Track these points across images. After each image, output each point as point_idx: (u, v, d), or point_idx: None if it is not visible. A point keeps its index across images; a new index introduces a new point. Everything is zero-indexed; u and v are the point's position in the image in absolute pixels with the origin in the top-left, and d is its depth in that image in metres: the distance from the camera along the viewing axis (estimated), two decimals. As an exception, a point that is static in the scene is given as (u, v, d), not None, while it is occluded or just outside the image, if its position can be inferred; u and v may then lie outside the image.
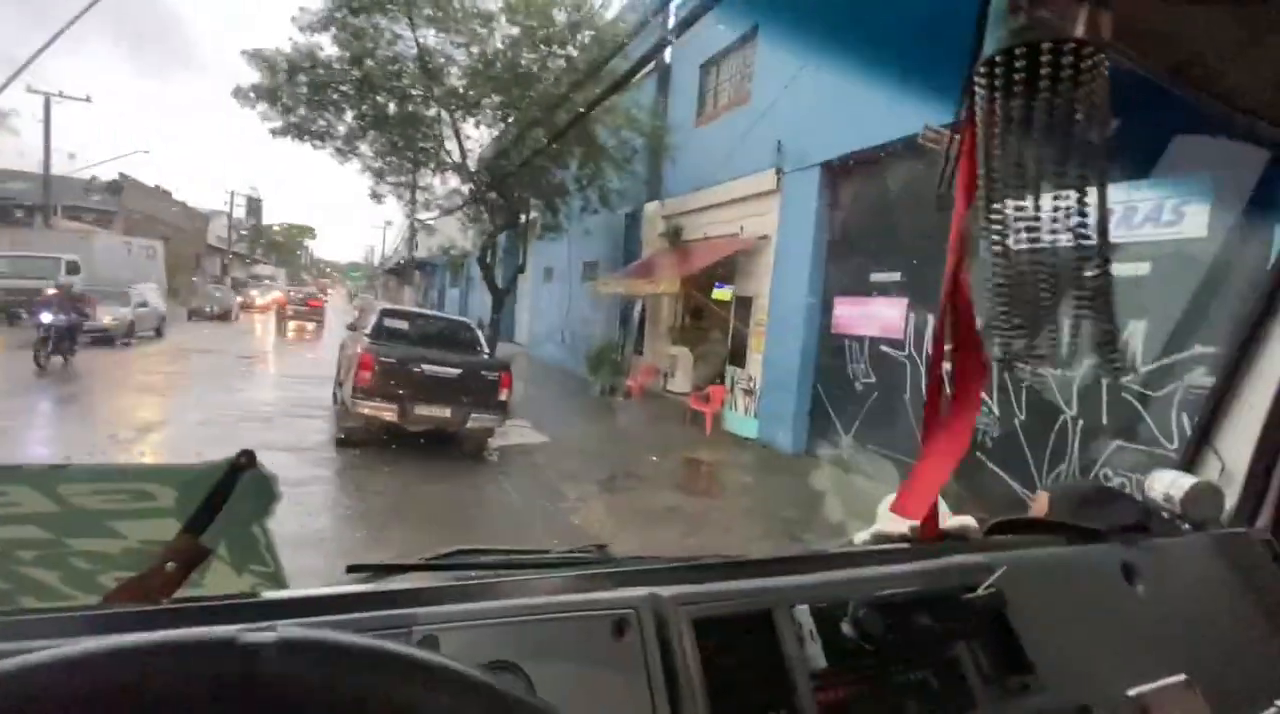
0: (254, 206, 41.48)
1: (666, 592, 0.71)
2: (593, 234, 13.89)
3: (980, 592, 0.81)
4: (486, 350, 8.24)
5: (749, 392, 9.38)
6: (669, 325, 12.19)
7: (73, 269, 14.84)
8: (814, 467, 7.88)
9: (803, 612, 0.74)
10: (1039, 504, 1.26)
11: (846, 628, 0.73)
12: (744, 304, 9.75)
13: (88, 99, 20.94)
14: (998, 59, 0.53)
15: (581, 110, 9.58)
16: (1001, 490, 5.63)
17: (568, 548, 0.90)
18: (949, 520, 1.02)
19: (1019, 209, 0.54)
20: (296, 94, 10.43)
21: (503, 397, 7.12)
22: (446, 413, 6.75)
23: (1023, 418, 5.63)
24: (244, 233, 42.88)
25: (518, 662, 0.58)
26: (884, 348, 7.29)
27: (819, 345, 8.32)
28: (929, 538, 0.98)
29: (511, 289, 14.69)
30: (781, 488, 7.29)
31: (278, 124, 10.65)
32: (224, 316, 21.35)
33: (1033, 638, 0.82)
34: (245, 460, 0.66)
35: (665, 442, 8.96)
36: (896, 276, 7.22)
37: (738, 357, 9.83)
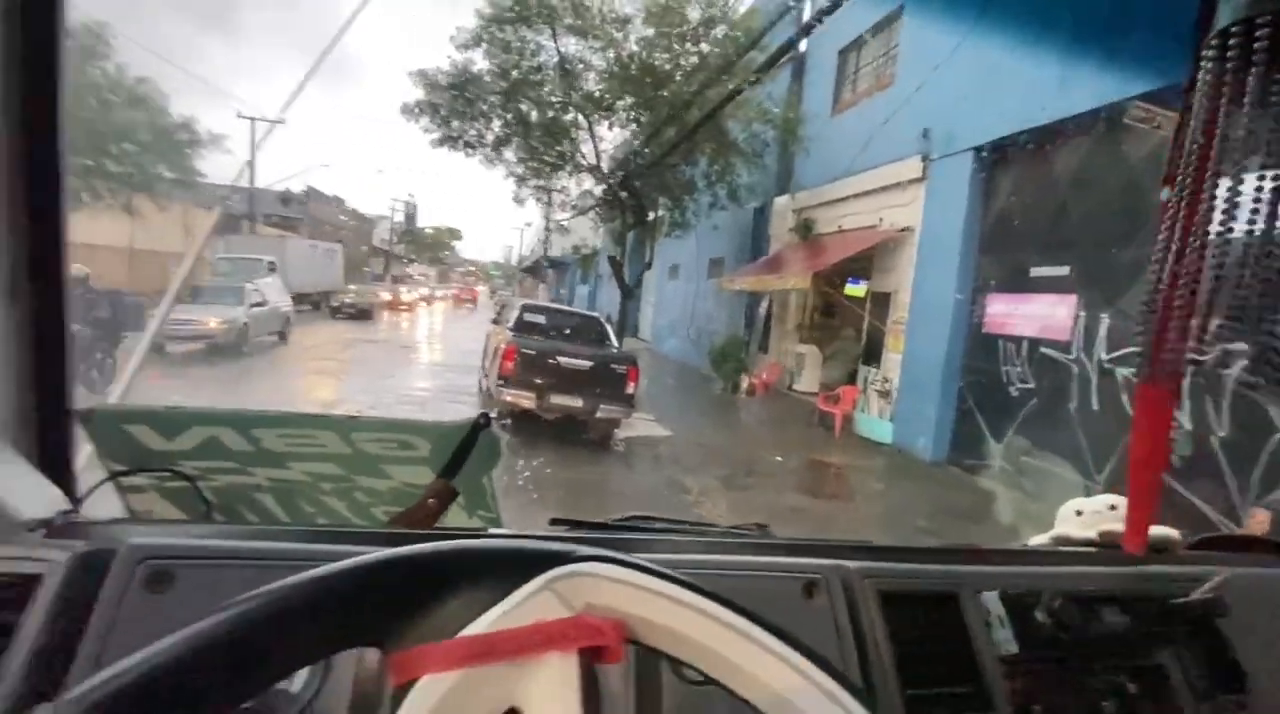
0: (410, 211, 45.90)
1: (852, 564, 0.73)
2: (720, 230, 13.84)
3: (1194, 597, 0.77)
4: (615, 345, 8.52)
5: (884, 393, 8.88)
6: (797, 322, 11.84)
7: (271, 269, 17.27)
8: (957, 476, 7.30)
9: (991, 598, 0.73)
10: (1257, 521, 1.12)
11: (1040, 616, 0.71)
12: (881, 300, 9.23)
13: (283, 121, 24.31)
14: (1234, 29, 0.48)
15: (714, 107, 9.56)
16: (1191, 516, 4.87)
17: (729, 524, 0.94)
18: (1153, 532, 0.93)
19: (1244, 193, 0.48)
20: (453, 107, 11.40)
21: (630, 389, 7.33)
22: (579, 402, 7.07)
23: (1224, 434, 4.83)
24: (401, 236, 47.61)
25: None
26: (1046, 350, 6.57)
27: (967, 345, 7.68)
28: (1129, 545, 0.91)
29: (638, 285, 15.04)
30: (919, 496, 6.83)
31: (437, 135, 11.72)
32: (364, 315, 20.83)
33: (1249, 656, 0.77)
34: (484, 421, 0.79)
35: (790, 441, 8.73)
36: (1064, 271, 6.48)
37: (872, 356, 9.33)
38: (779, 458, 7.87)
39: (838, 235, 10.28)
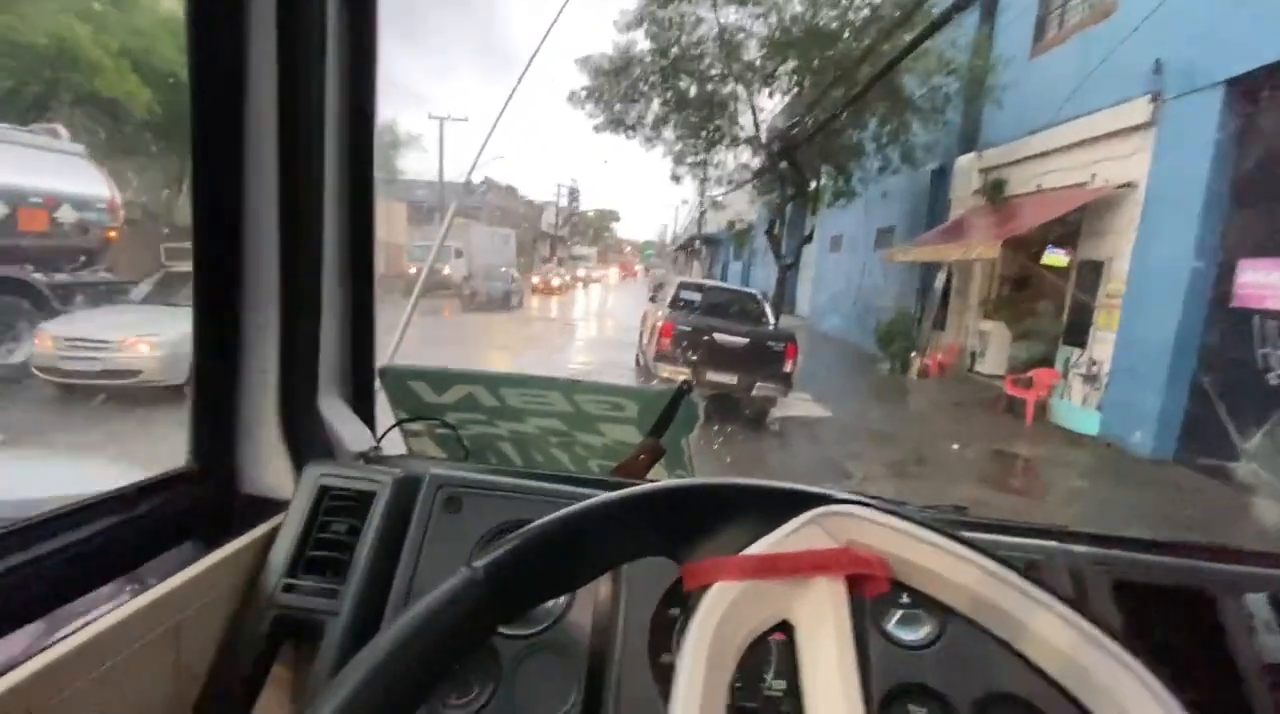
0: (573, 196, 48.29)
1: (1079, 548, 0.69)
2: (890, 197, 12.78)
3: None
4: (772, 322, 8.31)
5: (1091, 378, 7.68)
6: (981, 296, 10.63)
7: (458, 254, 19.24)
8: (1186, 477, 6.12)
9: (1258, 600, 0.66)
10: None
11: None
12: (1089, 270, 7.95)
13: (466, 119, 26.76)
14: None
15: (887, 63, 8.75)
16: None
17: (925, 503, 0.89)
18: None
19: None
20: (616, 90, 11.69)
21: (787, 367, 7.13)
22: (734, 380, 7.02)
23: None
24: (565, 219, 50.33)
25: None
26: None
27: (1207, 323, 6.36)
28: None
29: (796, 260, 14.46)
30: (1133, 496, 5.85)
31: (600, 119, 12.11)
32: (503, 304, 18.29)
33: None
34: (687, 387, 0.88)
35: (970, 429, 7.91)
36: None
37: (1076, 335, 8.09)
38: (955, 446, 7.18)
39: (1035, 196, 8.99)
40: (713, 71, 11.29)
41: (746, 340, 7.15)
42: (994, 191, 9.84)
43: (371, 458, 0.85)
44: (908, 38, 8.51)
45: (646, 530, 0.37)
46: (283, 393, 0.79)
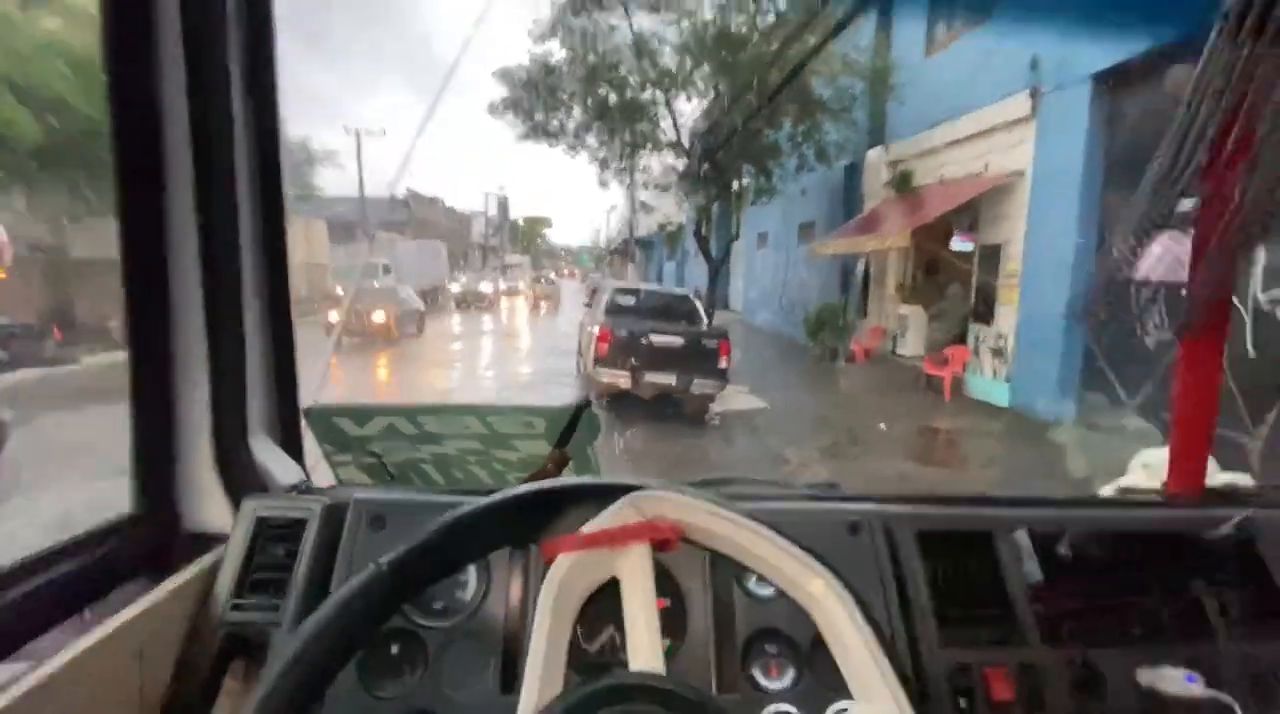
0: (503, 205, 47.68)
1: (893, 508, 0.83)
2: (808, 194, 13.33)
3: (1222, 530, 0.81)
4: (705, 320, 8.54)
5: (998, 352, 8.30)
6: (898, 282, 11.26)
7: (386, 270, 18.64)
8: (1085, 437, 6.73)
9: (1021, 535, 0.81)
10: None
11: (1063, 550, 0.79)
12: (990, 253, 8.58)
13: (384, 132, 26.00)
14: None
15: (794, 66, 9.17)
16: None
17: (805, 483, 1.05)
18: (1216, 478, 0.94)
19: None
20: (535, 100, 11.70)
21: (722, 364, 7.35)
22: (672, 380, 7.19)
23: None
24: (495, 229, 49.59)
25: None
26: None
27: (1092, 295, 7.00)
28: (1186, 493, 0.94)
29: (725, 258, 14.82)
30: (1040, 460, 6.38)
31: (521, 129, 12.09)
32: (419, 324, 14.10)
33: None
34: (586, 403, 1.02)
35: (895, 408, 8.39)
36: (1208, 202, 5.72)
37: (983, 313, 8.72)
38: (883, 426, 7.61)
39: (938, 186, 9.62)
40: (631, 79, 11.46)
41: (682, 340, 7.33)
42: (902, 183, 10.45)
43: (303, 489, 0.93)
44: (812, 40, 8.96)
45: (509, 525, 0.50)
46: (215, 435, 0.85)
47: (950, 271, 9.85)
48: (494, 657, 0.73)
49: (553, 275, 42.95)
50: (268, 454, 0.93)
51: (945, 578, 0.78)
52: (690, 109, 12.60)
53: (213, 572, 0.79)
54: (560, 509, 0.50)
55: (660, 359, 7.19)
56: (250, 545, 0.80)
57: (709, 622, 0.75)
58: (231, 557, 0.79)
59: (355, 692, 0.71)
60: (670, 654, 0.74)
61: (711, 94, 11.74)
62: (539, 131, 12.08)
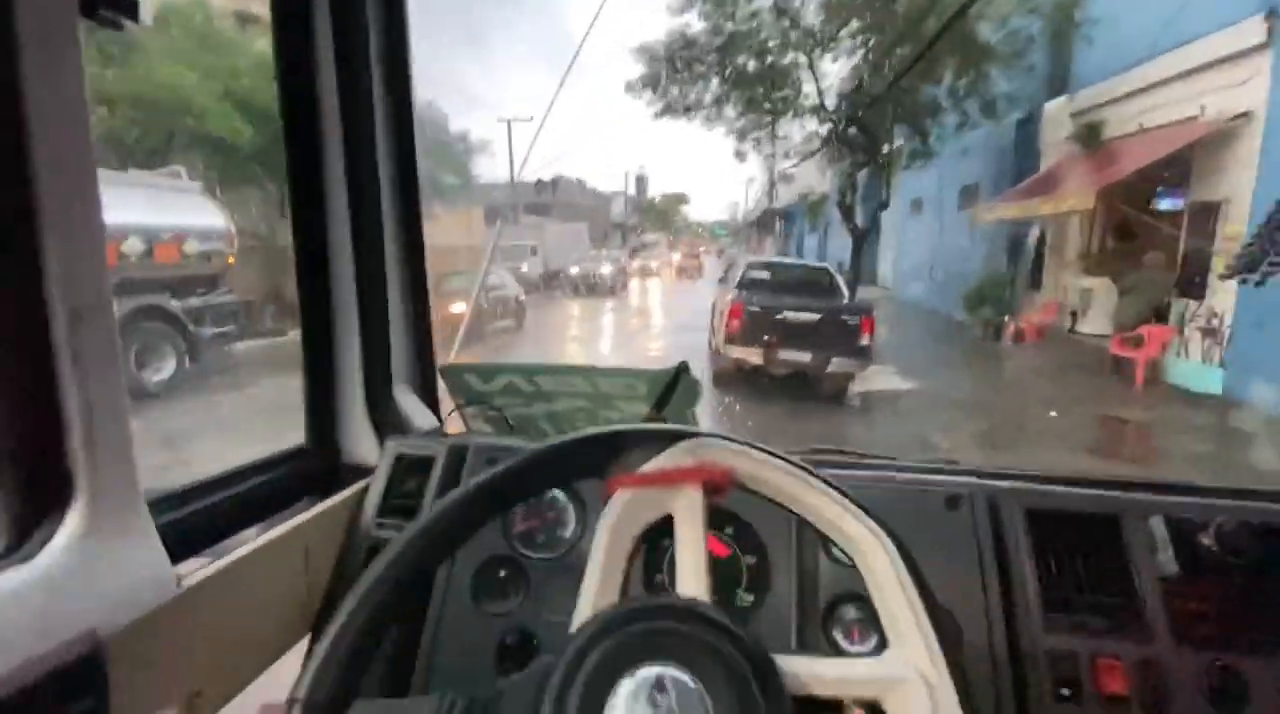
0: (641, 184, 48.45)
1: (1002, 483, 0.80)
2: (971, 154, 12.01)
3: None
4: (846, 295, 8.10)
5: (1211, 332, 6.99)
6: (1080, 251, 9.84)
7: (534, 252, 19.81)
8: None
9: (1156, 521, 0.74)
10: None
11: (1208, 541, 0.71)
12: (1203, 213, 7.20)
13: (531, 119, 27.43)
14: None
15: (954, 11, 8.23)
16: None
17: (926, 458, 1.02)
18: None
19: None
20: (672, 75, 11.65)
21: (864, 341, 6.94)
22: (807, 357, 6.93)
23: None
24: (635, 208, 50.51)
25: None
26: None
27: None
28: None
29: (872, 229, 13.87)
30: (1266, 459, 5.31)
31: (659, 106, 12.12)
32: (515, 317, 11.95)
33: None
34: (684, 368, 1.05)
35: (1071, 393, 7.41)
36: None
37: (1192, 286, 7.37)
38: (1053, 413, 6.76)
39: (1136, 137, 8.21)
40: (771, 43, 11.00)
41: (818, 316, 7.02)
42: (1089, 136, 9.05)
43: (436, 434, 1.10)
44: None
45: (582, 460, 0.54)
46: (367, 387, 1.04)
47: (1149, 237, 8.41)
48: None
49: (701, 248, 43.38)
50: (409, 403, 1.12)
51: (1060, 562, 0.73)
52: (836, 69, 11.85)
53: (362, 496, 0.97)
54: (625, 449, 0.53)
55: (795, 335, 6.95)
56: (390, 476, 0.97)
57: (792, 582, 0.78)
58: (377, 484, 0.97)
59: (468, 606, 0.84)
60: (753, 610, 0.79)
61: (860, 51, 10.93)
62: (676, 106, 12.03)
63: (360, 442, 1.03)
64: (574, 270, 19.28)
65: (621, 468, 0.53)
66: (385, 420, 1.05)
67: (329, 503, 0.92)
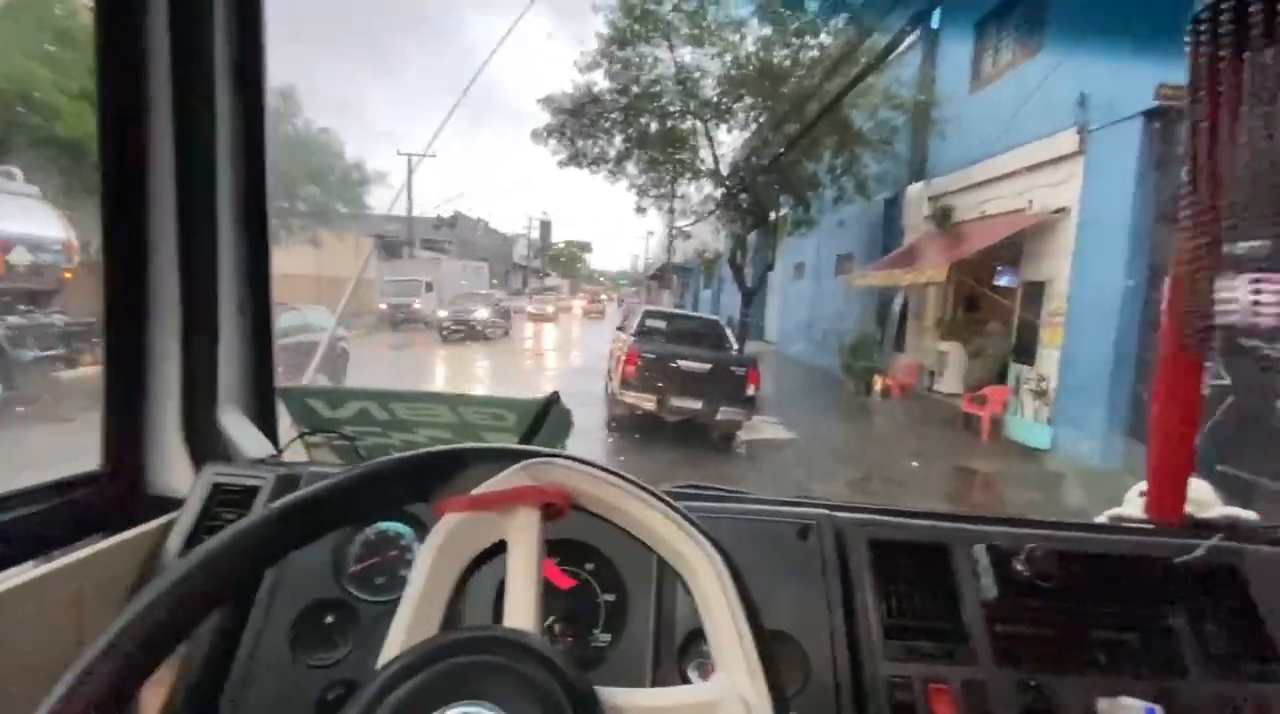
0: (545, 229, 48.74)
1: (847, 515, 0.83)
2: (846, 225, 13.24)
3: (1187, 557, 0.78)
4: (735, 347, 8.48)
5: (1040, 394, 7.99)
6: (936, 318, 11.01)
7: (428, 288, 19.13)
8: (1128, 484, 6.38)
9: (979, 550, 0.80)
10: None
11: (1020, 567, 0.77)
12: (1033, 291, 8.34)
13: (434, 155, 27.02)
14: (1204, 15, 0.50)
15: (833, 98, 9.20)
16: None
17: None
18: (1213, 510, 0.89)
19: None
20: (577, 127, 12.01)
21: (750, 392, 7.27)
22: (698, 405, 7.13)
23: None
24: (537, 252, 50.62)
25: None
26: (1248, 340, 5.56)
27: (1142, 337, 6.71)
28: (1167, 521, 0.93)
29: (760, 287, 14.74)
30: (1086, 509, 6.07)
31: (564, 155, 12.39)
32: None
33: (1273, 627, 0.78)
34: (555, 398, 1.02)
35: (930, 446, 8.13)
36: (1268, 245, 5.46)
37: (1025, 353, 8.44)
38: (915, 464, 7.37)
39: (980, 222, 9.44)
40: (672, 108, 11.68)
41: (710, 366, 7.28)
42: (942, 218, 10.30)
43: (267, 464, 0.96)
44: (854, 73, 8.99)
45: (406, 484, 0.49)
46: (185, 405, 0.90)
47: (991, 308, 9.60)
48: None
49: (602, 296, 43.86)
50: (237, 427, 0.98)
51: (897, 589, 0.77)
52: (730, 139, 12.74)
53: (166, 531, 0.82)
54: (460, 471, 0.49)
55: (687, 383, 7.15)
56: (204, 509, 0.84)
57: (650, 620, 0.76)
58: (185, 516, 0.83)
59: (284, 658, 0.73)
60: (609, 649, 0.76)
61: (752, 125, 11.85)
62: (580, 158, 12.35)
63: (171, 468, 0.90)
64: (442, 313, 16.75)
65: (454, 491, 0.48)
66: (204, 446, 0.92)
67: (120, 537, 0.78)
